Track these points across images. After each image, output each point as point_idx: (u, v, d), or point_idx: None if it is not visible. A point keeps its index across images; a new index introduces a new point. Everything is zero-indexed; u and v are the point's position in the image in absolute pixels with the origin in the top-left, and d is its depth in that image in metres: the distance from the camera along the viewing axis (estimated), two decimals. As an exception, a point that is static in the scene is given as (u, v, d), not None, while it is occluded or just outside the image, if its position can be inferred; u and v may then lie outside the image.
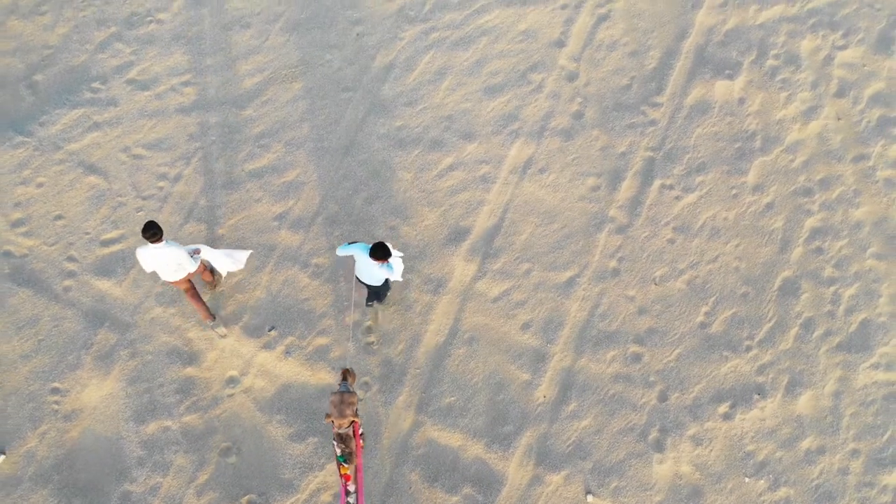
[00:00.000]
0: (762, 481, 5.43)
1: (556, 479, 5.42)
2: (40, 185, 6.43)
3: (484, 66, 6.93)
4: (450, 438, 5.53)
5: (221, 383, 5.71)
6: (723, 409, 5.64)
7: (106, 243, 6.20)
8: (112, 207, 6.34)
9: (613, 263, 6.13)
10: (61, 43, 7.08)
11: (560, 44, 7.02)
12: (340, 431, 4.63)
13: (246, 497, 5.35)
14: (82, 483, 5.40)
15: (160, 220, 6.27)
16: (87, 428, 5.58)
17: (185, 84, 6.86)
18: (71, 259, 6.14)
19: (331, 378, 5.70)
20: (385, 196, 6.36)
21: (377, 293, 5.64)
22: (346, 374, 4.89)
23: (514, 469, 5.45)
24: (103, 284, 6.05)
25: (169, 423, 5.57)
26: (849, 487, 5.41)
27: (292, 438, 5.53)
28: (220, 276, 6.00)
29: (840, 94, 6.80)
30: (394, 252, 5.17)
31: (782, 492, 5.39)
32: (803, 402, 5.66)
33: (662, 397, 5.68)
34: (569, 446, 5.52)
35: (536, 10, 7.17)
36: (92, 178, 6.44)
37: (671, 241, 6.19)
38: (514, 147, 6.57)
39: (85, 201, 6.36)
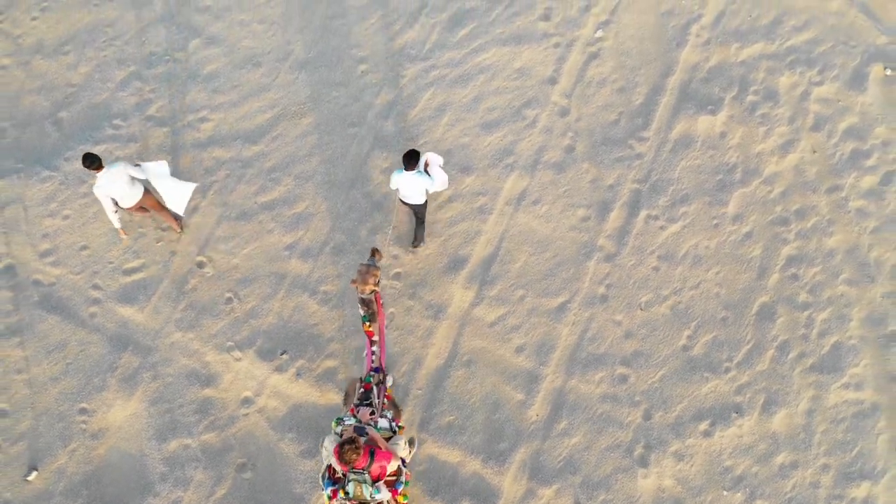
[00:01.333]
0: (739, 494, 5.84)
1: (547, 492, 5.83)
2: (66, 217, 6.88)
3: (481, 102, 7.38)
4: (449, 455, 5.96)
5: (237, 403, 6.14)
6: (703, 426, 6.06)
7: (128, 272, 6.65)
8: (133, 238, 6.78)
9: (602, 290, 6.56)
10: (84, 81, 7.55)
11: (553, 81, 7.47)
12: (363, 296, 5.44)
13: (261, 510, 5.78)
14: (109, 497, 5.83)
15: (178, 250, 6.72)
16: (113, 446, 6.01)
17: (201, 120, 7.32)
18: (96, 287, 6.58)
19: (339, 399, 6.13)
20: (388, 227, 6.80)
21: (419, 213, 6.29)
22: (375, 252, 5.64)
23: (509, 483, 5.87)
24: (126, 311, 6.49)
25: (189, 441, 6.00)
26: (819, 500, 5.82)
27: (303, 455, 5.95)
28: (182, 219, 6.71)
29: (816, 128, 7.23)
30: (433, 159, 5.97)
31: (758, 504, 5.82)
32: (778, 420, 6.08)
33: (647, 416, 6.10)
34: (560, 462, 5.94)
35: (530, 48, 7.62)
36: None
37: (656, 269, 6.63)
38: (509, 180, 7.01)
39: (108, 232, 6.81)
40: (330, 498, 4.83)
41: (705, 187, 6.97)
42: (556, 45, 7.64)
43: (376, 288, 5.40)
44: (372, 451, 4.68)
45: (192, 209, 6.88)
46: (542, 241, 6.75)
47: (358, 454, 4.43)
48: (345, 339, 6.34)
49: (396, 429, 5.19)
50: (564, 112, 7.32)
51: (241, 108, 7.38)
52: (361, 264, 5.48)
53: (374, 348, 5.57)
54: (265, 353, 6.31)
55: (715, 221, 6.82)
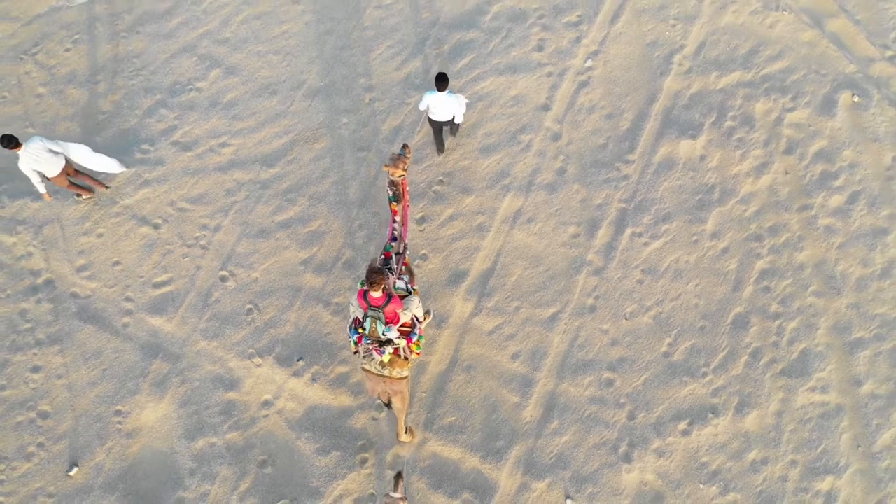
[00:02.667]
0: (714, 487, 6.43)
1: (540, 486, 6.43)
2: (100, 235, 7.51)
3: (480, 128, 8.00)
4: (451, 452, 6.55)
5: (258, 405, 6.75)
6: (682, 426, 6.65)
7: (157, 285, 7.27)
8: (161, 254, 7.41)
9: (590, 301, 7.16)
10: (114, 109, 8.19)
11: (546, 108, 8.09)
12: (393, 178, 6.17)
13: (280, 502, 6.37)
14: (143, 491, 6.44)
15: (202, 265, 7.34)
16: (146, 444, 6.62)
17: (222, 145, 7.95)
18: (128, 299, 7.20)
19: (350, 401, 6.74)
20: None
21: (443, 131, 7.59)
22: (405, 147, 6.44)
23: (505, 478, 6.46)
24: (156, 321, 7.11)
25: (215, 439, 6.61)
26: (787, 493, 6.41)
27: (318, 452, 6.55)
28: (101, 186, 7.60)
29: (788, 151, 7.84)
30: (458, 97, 6.97)
31: (731, 496, 6.39)
32: (750, 420, 6.67)
33: (631, 416, 6.69)
34: (551, 458, 6.53)
35: (525, 77, 8.24)
36: (144, 229, 7.52)
37: (640, 282, 7.23)
38: (505, 200, 7.63)
39: (138, 249, 7.44)
40: (356, 343, 5.82)
41: (686, 206, 7.57)
42: (549, 74, 8.26)
43: (404, 173, 6.20)
44: (390, 294, 5.60)
45: (215, 227, 7.51)
46: (535, 256, 7.35)
47: (381, 277, 5.37)
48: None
49: (412, 290, 6.09)
50: (556, 137, 7.93)
51: (258, 134, 8.01)
52: (393, 153, 6.41)
53: (397, 224, 6.36)
54: (283, 359, 6.92)
55: (694, 238, 7.42)
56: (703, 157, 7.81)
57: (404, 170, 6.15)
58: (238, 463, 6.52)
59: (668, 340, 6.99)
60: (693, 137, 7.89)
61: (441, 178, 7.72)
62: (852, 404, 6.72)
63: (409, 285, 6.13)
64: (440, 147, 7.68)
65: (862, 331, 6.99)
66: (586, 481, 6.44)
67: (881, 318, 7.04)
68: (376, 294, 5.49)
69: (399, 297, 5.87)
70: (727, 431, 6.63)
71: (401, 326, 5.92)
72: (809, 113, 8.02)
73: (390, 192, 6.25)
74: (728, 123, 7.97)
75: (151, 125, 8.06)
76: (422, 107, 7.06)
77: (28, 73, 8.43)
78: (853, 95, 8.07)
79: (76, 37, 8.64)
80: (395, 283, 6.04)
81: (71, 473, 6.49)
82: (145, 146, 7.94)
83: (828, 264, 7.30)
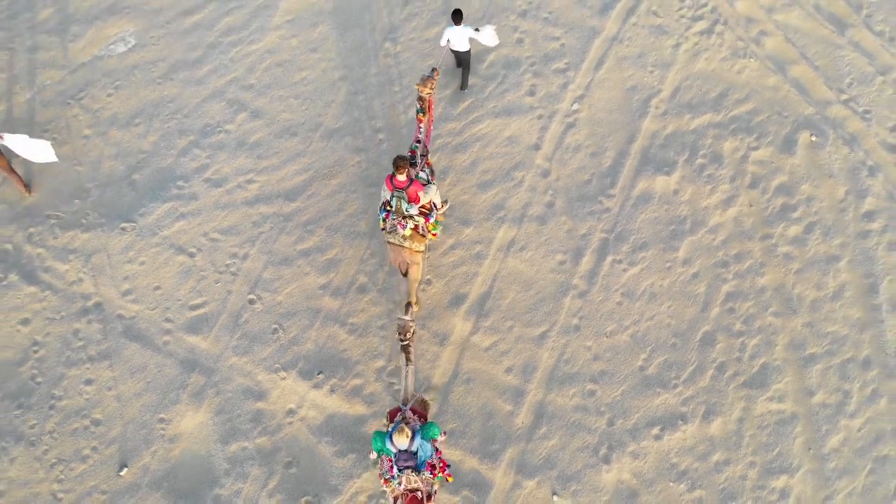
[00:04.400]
0: (682, 485, 7.34)
1: (530, 484, 7.35)
2: (142, 262, 8.49)
3: (478, 165, 8.97)
4: (452, 454, 7.48)
5: (283, 414, 7.70)
6: (655, 431, 7.57)
7: (193, 308, 8.24)
8: (196, 280, 8.38)
9: (575, 321, 8.10)
10: (152, 149, 9.20)
11: (536, 147, 9.07)
12: (422, 94, 7.54)
13: (304, 498, 7.31)
14: (184, 489, 7.39)
15: (233, 290, 8.31)
16: (186, 448, 7.57)
17: (249, 182, 8.94)
18: (168, 320, 8.18)
19: (364, 410, 7.68)
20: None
21: (464, 59, 8.88)
22: (434, 70, 7.77)
23: (500, 477, 7.39)
24: (193, 339, 8.08)
25: (246, 443, 7.56)
26: (746, 490, 7.31)
27: (337, 455, 7.49)
28: (30, 187, 8.85)
29: (752, 185, 8.79)
30: (485, 28, 8.31)
31: (697, 493, 7.30)
32: (715, 427, 7.59)
33: (610, 423, 7.62)
34: (540, 460, 7.45)
35: (518, 120, 9.22)
36: (181, 258, 8.50)
37: (619, 304, 8.17)
38: (500, 230, 8.59)
39: (176, 275, 8.42)
40: (384, 220, 7.35)
41: (660, 236, 8.52)
42: (540, 117, 9.25)
43: (431, 91, 7.57)
44: (411, 179, 7.14)
45: (244, 256, 8.48)
46: (527, 281, 8.31)
47: (405, 163, 6.93)
48: (368, 361, 7.89)
49: (431, 181, 7.61)
50: (546, 173, 8.90)
51: (281, 171, 9.00)
52: (424, 74, 7.82)
53: (421, 132, 7.71)
54: (305, 373, 7.87)
55: (668, 264, 8.37)
56: (676, 192, 8.76)
57: (431, 88, 7.58)
58: (267, 464, 7.46)
59: (643, 356, 7.92)
60: (668, 174, 8.85)
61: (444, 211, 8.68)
62: (805, 412, 7.63)
63: (430, 178, 7.62)
64: (462, 82, 9.28)
65: (815, 347, 7.91)
66: (571, 480, 7.36)
67: (832, 336, 7.96)
68: (401, 178, 7.06)
69: (421, 183, 7.31)
70: (694, 436, 7.55)
71: (421, 207, 7.33)
72: (772, 151, 8.98)
73: (418, 106, 7.69)
74: (699, 161, 8.93)
75: (186, 163, 9.06)
76: (442, 42, 8.60)
77: (75, 116, 9.44)
78: (811, 135, 9.03)
79: (117, 83, 9.66)
80: (417, 172, 7.54)
81: (121, 474, 7.44)
82: (180, 182, 8.94)
83: (786, 288, 8.23)
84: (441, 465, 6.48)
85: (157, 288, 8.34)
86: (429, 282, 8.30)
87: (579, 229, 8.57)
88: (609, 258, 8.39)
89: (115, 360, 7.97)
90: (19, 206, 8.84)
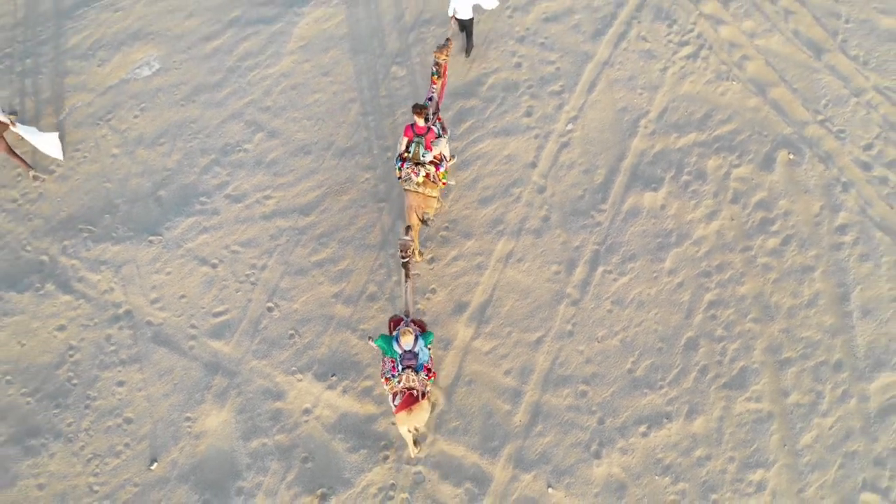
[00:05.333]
0: (667, 479, 7.99)
1: (527, 477, 8.00)
2: (168, 273, 9.18)
3: (478, 182, 9.65)
4: (455, 450, 8.13)
5: (300, 413, 8.36)
6: (642, 429, 8.22)
7: (216, 315, 8.92)
8: (219, 289, 9.06)
9: (569, 327, 8.76)
10: (176, 167, 9.89)
11: (533, 165, 9.74)
12: (438, 60, 8.57)
13: (319, 490, 7.97)
14: (210, 481, 8.05)
15: (252, 298, 8.99)
16: (211, 444, 8.24)
17: (266, 198, 9.63)
18: (192, 326, 8.85)
19: (374, 409, 8.33)
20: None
21: (468, 27, 9.99)
22: (448, 40, 8.75)
23: (499, 471, 8.04)
24: (216, 344, 8.75)
25: (266, 440, 8.22)
26: (726, 483, 7.95)
27: (349, 451, 8.15)
28: (33, 169, 9.85)
29: (734, 201, 9.45)
30: None
31: (680, 486, 7.95)
32: (697, 424, 8.23)
33: (601, 422, 8.27)
34: (536, 455, 8.10)
35: (516, 139, 9.90)
36: (204, 268, 9.19)
37: (609, 311, 8.83)
38: (500, 243, 9.26)
39: (200, 285, 9.10)
40: (399, 169, 8.35)
41: (648, 248, 9.18)
42: (536, 136, 9.93)
43: (446, 58, 8.59)
44: (429, 127, 8.15)
45: (262, 266, 9.16)
46: (524, 290, 8.97)
47: (424, 109, 7.93)
48: (378, 364, 8.56)
49: (442, 135, 8.49)
50: (542, 189, 9.58)
51: (296, 188, 9.69)
52: (440, 42, 9.48)
53: (434, 92, 8.62)
54: (319, 375, 8.54)
55: (655, 274, 9.03)
56: (663, 207, 9.43)
57: (446, 55, 8.62)
58: (285, 459, 8.12)
59: (631, 359, 8.57)
60: (655, 190, 9.51)
61: (447, 224, 9.37)
62: (780, 411, 8.28)
63: (441, 132, 8.49)
64: (467, 50, 10.40)
65: (790, 351, 8.56)
66: (564, 474, 8.01)
67: (806, 341, 8.61)
68: (420, 122, 8.05)
69: (435, 133, 8.28)
70: (678, 433, 8.19)
71: (433, 157, 8.26)
72: (752, 168, 9.64)
73: (434, 69, 8.67)
74: (684, 178, 9.60)
75: (208, 181, 9.76)
76: (450, 13, 9.70)
77: (104, 137, 10.15)
78: (789, 154, 9.69)
79: (143, 105, 10.36)
80: (430, 126, 8.40)
81: (151, 468, 8.11)
82: (203, 199, 9.63)
83: (764, 296, 8.88)
84: (433, 371, 7.55)
85: (183, 296, 9.02)
86: (433, 291, 8.97)
87: (573, 242, 9.24)
88: (600, 269, 9.06)
89: (145, 364, 8.65)
90: (54, 220, 9.54)
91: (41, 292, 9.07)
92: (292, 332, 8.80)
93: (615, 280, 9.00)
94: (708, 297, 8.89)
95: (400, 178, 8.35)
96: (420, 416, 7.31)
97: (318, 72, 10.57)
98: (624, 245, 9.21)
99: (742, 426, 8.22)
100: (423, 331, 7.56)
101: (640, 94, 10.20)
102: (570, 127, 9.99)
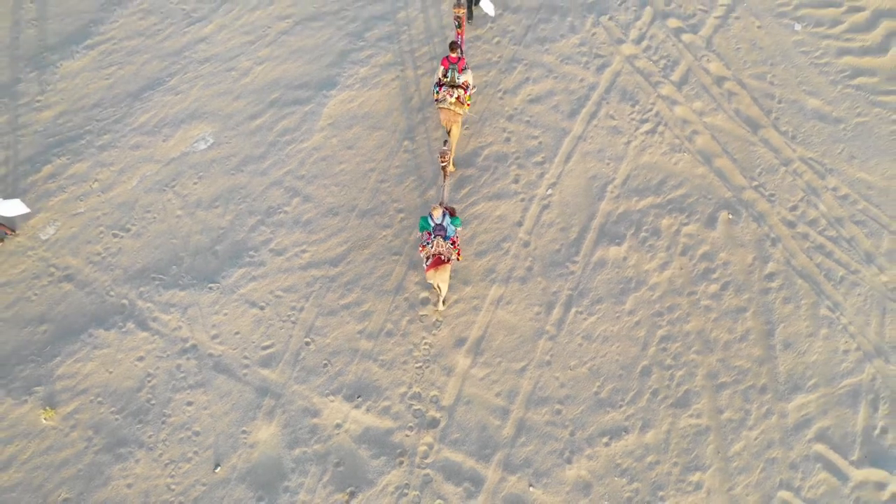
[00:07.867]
0: (624, 479, 10.04)
1: (513, 478, 10.07)
2: (225, 314, 11.38)
3: (475, 238, 11.85)
4: (455, 456, 10.22)
5: (332, 427, 10.49)
6: (605, 440, 10.29)
7: (264, 348, 11.10)
8: (266, 327, 11.25)
9: (547, 358, 10.88)
10: (229, 226, 12.14)
11: (519, 224, 11.93)
12: (458, 14, 11.74)
13: (349, 489, 10.06)
14: (262, 482, 10.17)
15: (293, 335, 11.16)
16: (262, 452, 10.37)
17: (303, 251, 11.85)
18: (245, 357, 11.03)
19: (392, 424, 10.44)
20: (418, 320, 11.22)
21: (471, 2, 13.29)
22: (461, 14, 11.80)
23: (491, 473, 10.11)
24: (265, 372, 10.92)
25: (306, 449, 10.35)
26: (671, 482, 10.00)
27: (372, 457, 10.26)
28: (13, 228, 12.02)
29: (683, 253, 11.59)
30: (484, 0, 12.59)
31: (635, 485, 10.00)
32: (649, 436, 10.30)
33: (572, 434, 10.35)
34: (520, 461, 10.18)
35: (506, 202, 12.11)
36: (254, 310, 11.39)
37: (580, 345, 10.95)
38: (492, 288, 11.42)
39: (251, 324, 11.29)
40: (437, 91, 11.27)
41: (612, 292, 11.32)
42: (522, 200, 12.13)
43: (463, 11, 11.72)
44: (460, 57, 11.12)
45: (300, 308, 11.35)
46: (511, 327, 11.11)
47: (457, 45, 11.12)
48: (394, 388, 10.69)
49: (468, 68, 11.33)
50: (527, 244, 11.76)
51: (326, 243, 11.91)
52: (454, 2, 12.06)
53: (460, 38, 11.92)
54: (348, 397, 10.68)
55: (617, 314, 11.15)
56: (625, 258, 11.58)
57: (462, 9, 11.70)
58: (321, 464, 10.24)
59: (597, 384, 10.67)
60: (619, 244, 11.67)
61: (452, 273, 11.53)
62: (716, 426, 10.34)
63: (468, 68, 11.29)
64: (469, 14, 13.31)
65: (726, 377, 10.64)
66: (542, 475, 10.08)
67: (738, 369, 10.69)
68: (454, 55, 11.09)
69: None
70: (634, 443, 10.26)
71: (463, 81, 11.18)
72: (699, 226, 11.79)
73: (456, 22, 11.85)
74: (643, 234, 11.76)
75: (255, 237, 11.99)
76: None
77: (169, 200, 12.42)
78: (729, 214, 11.84)
79: (200, 174, 12.65)
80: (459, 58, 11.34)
81: (216, 471, 10.24)
82: (252, 252, 11.86)
83: (705, 332, 10.98)
84: (458, 246, 10.39)
85: (237, 333, 11.21)
86: (439, 327, 11.13)
87: (551, 287, 11.39)
88: (573, 310, 11.19)
89: (208, 388, 10.81)
90: (131, 270, 11.79)
91: (123, 330, 11.28)
92: (325, 362, 10.95)
93: (585, 319, 11.13)
94: (660, 332, 11.01)
95: (436, 99, 11.20)
96: (443, 276, 10.13)
97: (343, 145, 12.84)
98: (592, 290, 11.36)
99: (685, 437, 10.29)
100: (452, 215, 10.45)
101: (608, 164, 12.40)
102: (549, 192, 12.19)
